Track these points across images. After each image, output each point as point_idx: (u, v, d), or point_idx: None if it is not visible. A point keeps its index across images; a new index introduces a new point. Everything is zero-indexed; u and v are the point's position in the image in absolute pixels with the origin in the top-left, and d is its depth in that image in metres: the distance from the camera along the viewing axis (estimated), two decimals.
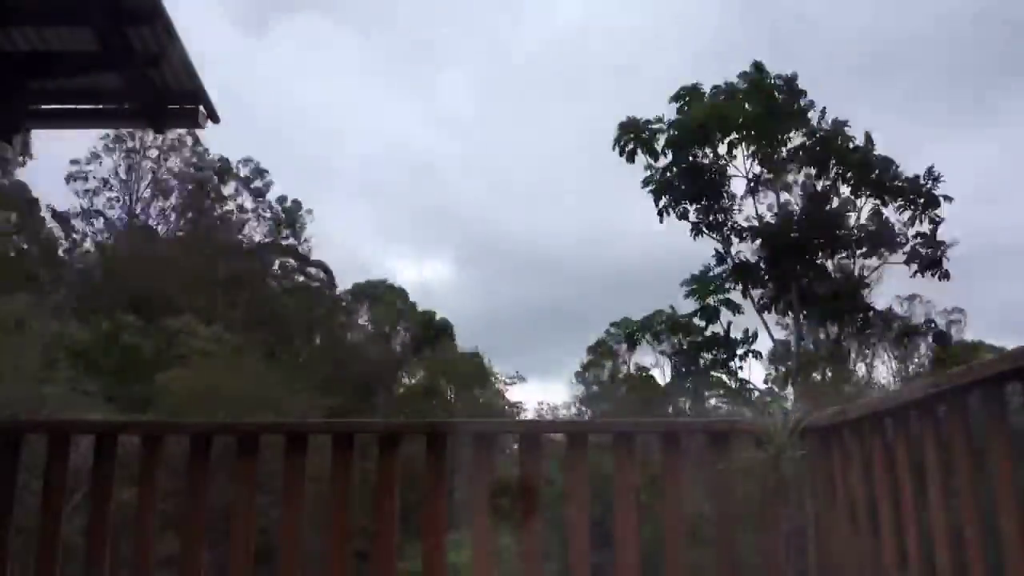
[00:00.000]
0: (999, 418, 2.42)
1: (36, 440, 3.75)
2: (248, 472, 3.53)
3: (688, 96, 17.94)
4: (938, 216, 16.90)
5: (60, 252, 32.83)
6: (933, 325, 18.96)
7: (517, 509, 3.45)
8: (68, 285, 27.43)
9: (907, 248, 17.18)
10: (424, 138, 51.44)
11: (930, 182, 17.01)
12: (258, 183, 37.61)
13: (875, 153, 17.31)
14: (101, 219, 35.64)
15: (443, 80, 53.07)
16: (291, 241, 37.72)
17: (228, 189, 37.58)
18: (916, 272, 17.07)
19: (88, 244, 34.49)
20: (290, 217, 37.70)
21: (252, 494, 3.51)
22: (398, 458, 3.52)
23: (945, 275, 16.93)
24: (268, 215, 37.74)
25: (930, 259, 16.86)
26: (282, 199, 37.81)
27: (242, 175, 37.37)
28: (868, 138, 17.39)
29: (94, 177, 35.42)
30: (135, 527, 3.46)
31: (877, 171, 17.09)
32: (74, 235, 34.17)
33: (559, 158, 50.01)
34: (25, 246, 31.01)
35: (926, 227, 17.03)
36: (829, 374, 17.22)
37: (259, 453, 3.57)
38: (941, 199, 16.90)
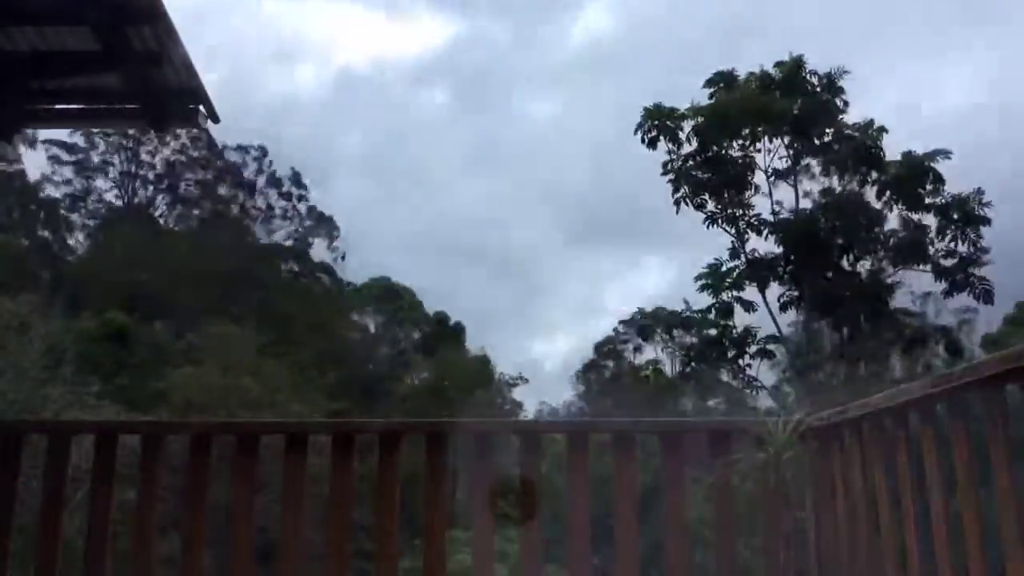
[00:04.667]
0: (999, 418, 2.42)
1: (36, 440, 3.76)
2: (248, 472, 3.53)
3: (722, 82, 17.50)
4: (979, 237, 16.08)
5: (58, 246, 32.85)
6: (946, 330, 18.64)
7: (517, 508, 3.45)
8: (70, 281, 27.41)
9: (936, 260, 16.73)
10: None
11: (976, 204, 16.17)
12: (292, 188, 37.79)
13: (918, 164, 16.44)
14: (101, 206, 35.71)
15: None
16: (315, 248, 37.88)
17: (251, 183, 37.68)
18: (950, 292, 16.47)
19: (85, 236, 34.51)
20: (319, 226, 37.85)
21: (252, 494, 3.51)
22: (399, 458, 3.52)
23: (988, 298, 16.22)
24: (294, 220, 37.93)
25: (965, 282, 16.18)
26: (311, 208, 38.09)
27: (275, 175, 37.47)
28: (909, 155, 16.89)
29: (92, 168, 35.45)
30: (135, 527, 3.47)
31: (916, 184, 16.52)
32: (70, 223, 34.18)
33: None
34: (25, 241, 31.02)
35: (964, 247, 16.22)
36: (837, 376, 17.06)
37: (259, 453, 3.58)
38: (984, 222, 16.08)
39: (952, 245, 16.36)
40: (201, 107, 4.37)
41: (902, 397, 2.90)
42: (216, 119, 4.42)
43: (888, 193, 16.73)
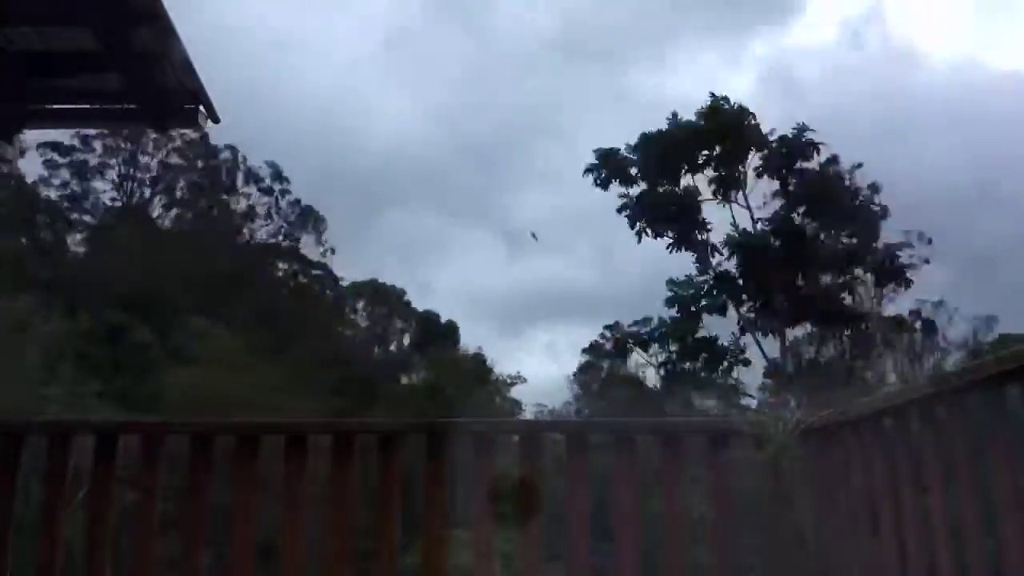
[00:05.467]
0: (999, 418, 2.42)
1: (36, 440, 3.75)
2: (248, 472, 3.53)
3: (648, 142, 18.70)
4: (878, 233, 17.79)
5: (57, 247, 32.82)
6: (918, 316, 19.41)
7: (517, 508, 3.45)
8: (68, 281, 27.40)
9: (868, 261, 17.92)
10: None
11: (874, 198, 18.01)
12: (275, 184, 37.48)
13: (832, 171, 18.03)
14: (99, 208, 35.67)
15: None
16: (304, 244, 37.67)
17: (239, 182, 37.45)
18: (877, 284, 17.86)
19: (83, 237, 34.48)
20: (305, 220, 37.63)
21: (252, 494, 3.51)
22: (398, 458, 3.52)
23: (906, 283, 17.78)
24: (279, 216, 37.72)
25: (888, 272, 17.59)
26: (296, 202, 37.80)
27: (252, 170, 37.20)
28: (833, 159, 17.94)
29: (90, 169, 35.41)
30: (135, 527, 3.47)
31: (834, 190, 17.79)
32: (69, 224, 34.15)
33: None
34: (24, 242, 31.04)
35: (880, 243, 17.88)
36: (824, 378, 17.50)
37: (260, 453, 3.58)
38: (880, 218, 17.81)
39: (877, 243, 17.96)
40: (201, 107, 4.37)
41: (902, 397, 2.91)
42: (216, 119, 4.42)
43: (810, 200, 17.90)
